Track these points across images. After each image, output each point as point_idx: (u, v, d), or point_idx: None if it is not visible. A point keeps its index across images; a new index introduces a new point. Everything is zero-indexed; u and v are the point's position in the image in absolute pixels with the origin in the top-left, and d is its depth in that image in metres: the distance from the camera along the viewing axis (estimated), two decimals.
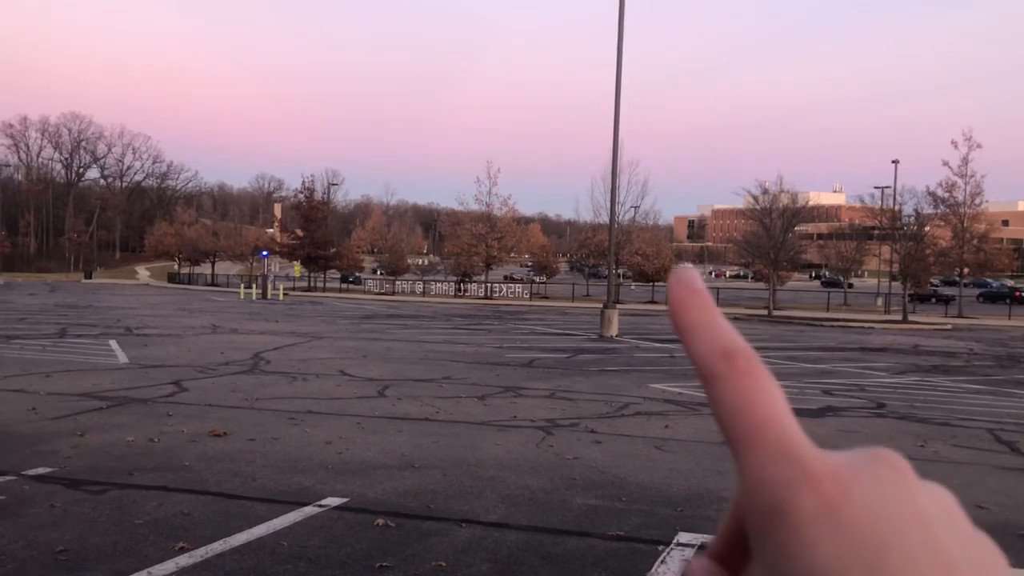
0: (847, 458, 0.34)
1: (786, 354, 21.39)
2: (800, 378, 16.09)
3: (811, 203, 60.10)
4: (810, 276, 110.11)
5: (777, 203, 48.95)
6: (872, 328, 36.15)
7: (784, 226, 47.90)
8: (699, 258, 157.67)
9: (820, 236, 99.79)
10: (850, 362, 19.85)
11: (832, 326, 36.80)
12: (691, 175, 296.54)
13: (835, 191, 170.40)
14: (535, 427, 10.09)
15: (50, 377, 13.23)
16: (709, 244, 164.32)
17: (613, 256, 30.41)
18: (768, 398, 0.35)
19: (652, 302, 54.92)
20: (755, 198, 50.12)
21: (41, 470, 7.31)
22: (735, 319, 40.15)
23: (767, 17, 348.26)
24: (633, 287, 69.71)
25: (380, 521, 6.13)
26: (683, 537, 6.03)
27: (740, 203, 56.23)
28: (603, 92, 52.98)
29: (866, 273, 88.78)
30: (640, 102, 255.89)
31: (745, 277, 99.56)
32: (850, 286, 65.66)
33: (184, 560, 5.24)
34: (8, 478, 7.01)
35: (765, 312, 43.94)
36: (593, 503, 6.87)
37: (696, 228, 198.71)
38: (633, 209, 63.71)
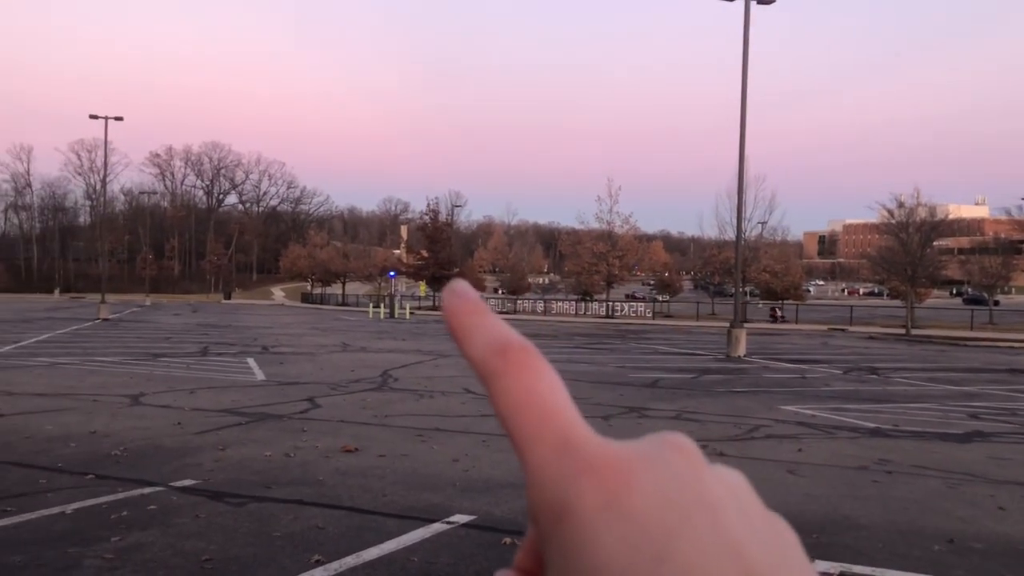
0: (632, 447, 0.33)
1: (927, 375, 20.34)
2: (943, 400, 15.26)
3: (951, 216, 57.03)
4: (950, 293, 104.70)
5: (914, 217, 46.74)
6: (1023, 348, 33.98)
7: (922, 241, 45.69)
8: (830, 275, 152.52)
9: (961, 251, 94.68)
10: (998, 384, 18.70)
11: (977, 346, 34.81)
12: (821, 189, 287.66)
13: (977, 203, 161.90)
14: None
15: (194, 393, 13.93)
16: (841, 260, 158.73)
17: (740, 273, 29.72)
18: (546, 391, 0.34)
19: (782, 320, 53.33)
20: (890, 212, 48.03)
21: (187, 482, 7.68)
22: (870, 338, 38.67)
23: (903, 25, 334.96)
24: (760, 305, 67.96)
25: (507, 540, 6.15)
26: (820, 565, 5.79)
27: (874, 217, 54.04)
28: (728, 105, 51.95)
29: (1013, 290, 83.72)
30: (767, 114, 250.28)
31: (880, 295, 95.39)
32: (996, 303, 61.92)
33: (319, 573, 5.39)
34: (158, 489, 7.40)
35: (903, 331, 41.99)
36: None
37: (827, 244, 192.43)
38: (760, 225, 62.35)
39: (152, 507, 6.82)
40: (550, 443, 0.32)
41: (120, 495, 7.15)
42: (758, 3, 27.22)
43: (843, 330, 44.89)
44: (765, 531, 0.32)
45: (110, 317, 43.47)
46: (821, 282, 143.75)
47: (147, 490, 7.35)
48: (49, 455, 8.77)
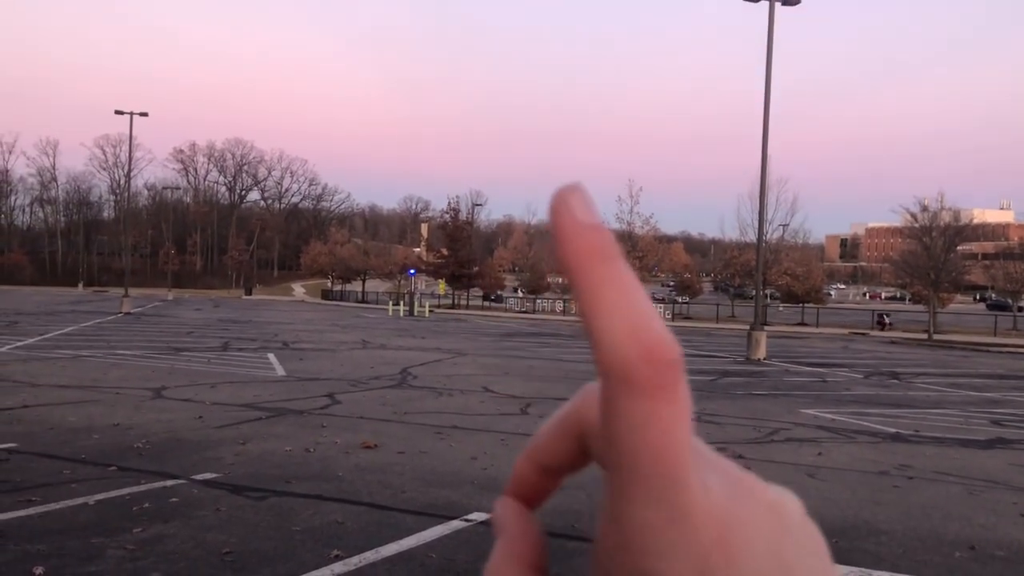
0: (735, 505, 0.29)
1: (949, 380, 20.17)
2: (965, 407, 15.13)
3: (975, 221, 56.60)
4: (974, 299, 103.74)
5: (938, 221, 46.39)
6: None
7: (945, 245, 45.32)
8: (852, 278, 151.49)
9: (985, 256, 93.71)
10: (1022, 391, 18.50)
11: (1000, 352, 34.44)
12: (844, 192, 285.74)
13: (1003, 208, 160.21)
14: None
15: (215, 388, 14.04)
16: (863, 264, 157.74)
17: (760, 276, 29.58)
18: (683, 442, 0.28)
19: (802, 324, 53.03)
20: (913, 216, 47.69)
21: (208, 475, 7.75)
22: (892, 342, 38.37)
23: (926, 29, 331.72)
24: (781, 308, 67.57)
25: None
26: (840, 570, 5.74)
27: (897, 221, 53.68)
28: (750, 107, 51.73)
29: None
30: (790, 116, 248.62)
31: (902, 299, 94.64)
32: (1020, 309, 61.29)
33: (339, 568, 5.43)
34: (179, 482, 7.47)
35: (925, 336, 41.65)
36: None
37: (849, 247, 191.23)
38: (782, 227, 62.02)
39: (174, 499, 6.89)
40: (663, 510, 0.27)
41: (142, 487, 7.23)
42: (783, 4, 27.10)
43: (864, 334, 44.60)
44: None
45: (133, 311, 43.86)
46: (842, 286, 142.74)
47: (169, 482, 7.42)
48: (73, 446, 8.87)
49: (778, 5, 26.61)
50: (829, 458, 9.78)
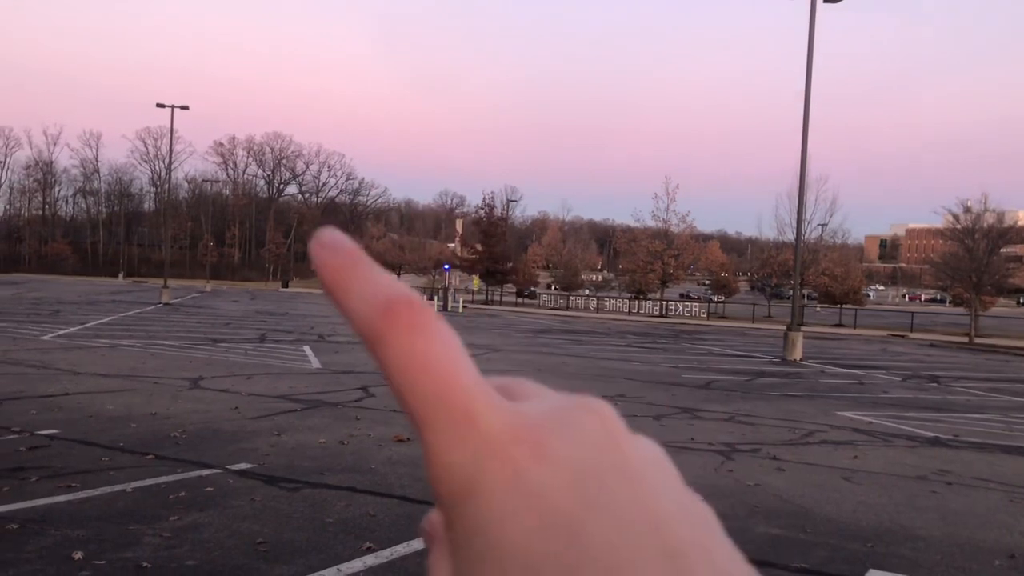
0: (543, 412, 0.30)
1: (991, 385, 19.81)
2: (1007, 412, 14.85)
3: (1020, 223, 55.39)
4: (1017, 302, 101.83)
5: (981, 222, 45.56)
6: None
7: (989, 247, 44.50)
8: (891, 280, 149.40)
9: None
10: None
11: None
12: (884, 192, 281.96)
13: None
14: (713, 451, 9.83)
15: (251, 379, 14.19)
16: (902, 265, 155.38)
17: (798, 276, 29.27)
18: (442, 356, 0.29)
19: (839, 325, 52.40)
20: (956, 217, 46.87)
21: (243, 465, 7.83)
22: (931, 345, 37.74)
23: (970, 26, 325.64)
24: (819, 309, 66.87)
25: None
26: (874, 575, 5.68)
27: (938, 222, 52.66)
28: (790, 105, 51.18)
29: None
30: (830, 114, 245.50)
31: (942, 301, 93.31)
32: None
33: (371, 560, 5.46)
34: (215, 471, 7.56)
35: (965, 339, 40.95)
36: (776, 533, 6.60)
37: (888, 248, 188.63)
38: (820, 227, 61.33)
39: (209, 489, 6.97)
40: (450, 420, 0.28)
41: (179, 476, 7.33)
42: (824, 1, 26.75)
43: (903, 336, 43.95)
44: (687, 506, 0.28)
45: (171, 302, 44.44)
46: (881, 287, 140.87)
47: (205, 472, 7.51)
48: (111, 434, 9.02)
49: (820, 2, 26.28)
50: (865, 461, 9.65)
